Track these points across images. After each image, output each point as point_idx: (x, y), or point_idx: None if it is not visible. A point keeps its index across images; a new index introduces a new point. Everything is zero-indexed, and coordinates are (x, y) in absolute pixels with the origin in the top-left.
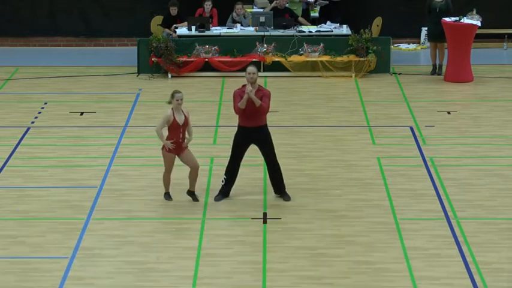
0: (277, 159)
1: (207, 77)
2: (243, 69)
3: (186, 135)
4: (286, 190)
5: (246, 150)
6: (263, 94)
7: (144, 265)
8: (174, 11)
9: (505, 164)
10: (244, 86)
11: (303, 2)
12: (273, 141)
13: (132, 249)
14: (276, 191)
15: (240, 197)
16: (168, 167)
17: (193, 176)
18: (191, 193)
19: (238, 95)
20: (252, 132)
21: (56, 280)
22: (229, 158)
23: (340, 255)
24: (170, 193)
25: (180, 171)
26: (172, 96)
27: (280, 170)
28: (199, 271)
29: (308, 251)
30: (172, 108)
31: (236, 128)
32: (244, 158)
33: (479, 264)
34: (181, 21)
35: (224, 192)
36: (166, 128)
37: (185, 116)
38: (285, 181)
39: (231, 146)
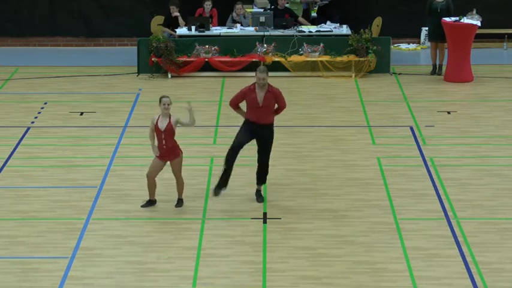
0: (269, 162)
1: (207, 77)
2: (243, 69)
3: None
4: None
5: (247, 142)
6: (276, 96)
7: (144, 265)
8: (174, 11)
9: (505, 164)
10: (253, 84)
11: (303, 3)
12: (274, 143)
13: (132, 249)
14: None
15: (240, 197)
16: (151, 170)
17: (178, 187)
18: (178, 200)
19: (244, 93)
20: (257, 128)
21: (55, 280)
22: (228, 149)
23: (340, 255)
24: (156, 198)
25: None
26: (160, 100)
27: (267, 173)
28: (199, 271)
29: (308, 251)
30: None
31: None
32: (244, 158)
33: (479, 264)
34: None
35: (221, 184)
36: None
37: (170, 122)
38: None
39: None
